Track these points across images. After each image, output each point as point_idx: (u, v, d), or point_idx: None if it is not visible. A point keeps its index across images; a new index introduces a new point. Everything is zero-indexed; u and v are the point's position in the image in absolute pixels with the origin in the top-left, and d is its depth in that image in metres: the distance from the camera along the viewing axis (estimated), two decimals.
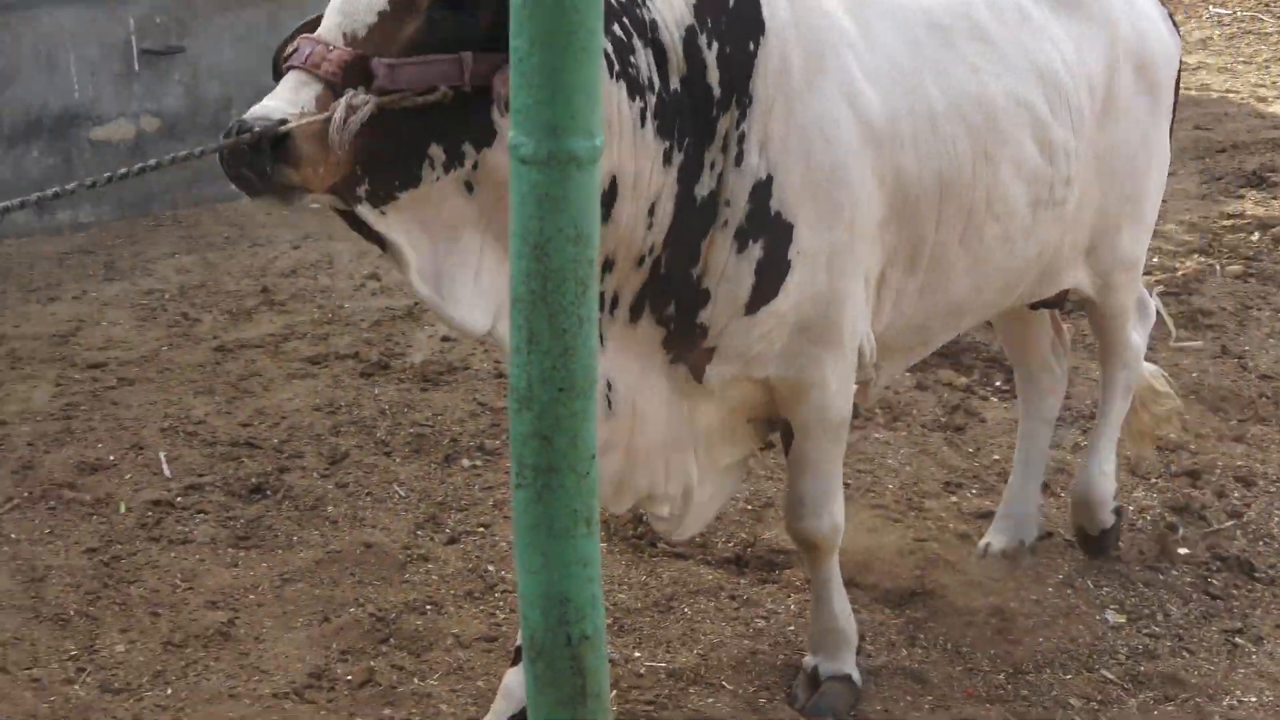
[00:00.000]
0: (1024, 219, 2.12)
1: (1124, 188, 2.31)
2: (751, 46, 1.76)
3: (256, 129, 1.40)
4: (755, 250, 1.81)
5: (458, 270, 1.65)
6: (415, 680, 2.18)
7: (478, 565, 2.50)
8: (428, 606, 2.36)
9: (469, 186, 1.60)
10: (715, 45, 1.74)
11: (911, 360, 2.29)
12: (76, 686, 2.14)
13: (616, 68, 1.63)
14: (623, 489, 1.90)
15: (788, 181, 1.81)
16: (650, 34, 1.69)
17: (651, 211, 1.75)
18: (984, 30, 2.10)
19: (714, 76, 1.74)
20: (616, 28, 1.63)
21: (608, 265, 1.72)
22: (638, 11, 1.69)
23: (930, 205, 2.00)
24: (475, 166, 1.58)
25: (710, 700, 2.11)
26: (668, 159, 1.72)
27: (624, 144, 1.66)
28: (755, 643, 2.28)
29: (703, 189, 1.78)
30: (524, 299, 1.15)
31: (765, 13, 1.77)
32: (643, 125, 1.68)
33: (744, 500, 2.69)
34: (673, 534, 2.08)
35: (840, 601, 2.12)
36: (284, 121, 1.42)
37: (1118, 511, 2.57)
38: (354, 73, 1.47)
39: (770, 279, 1.83)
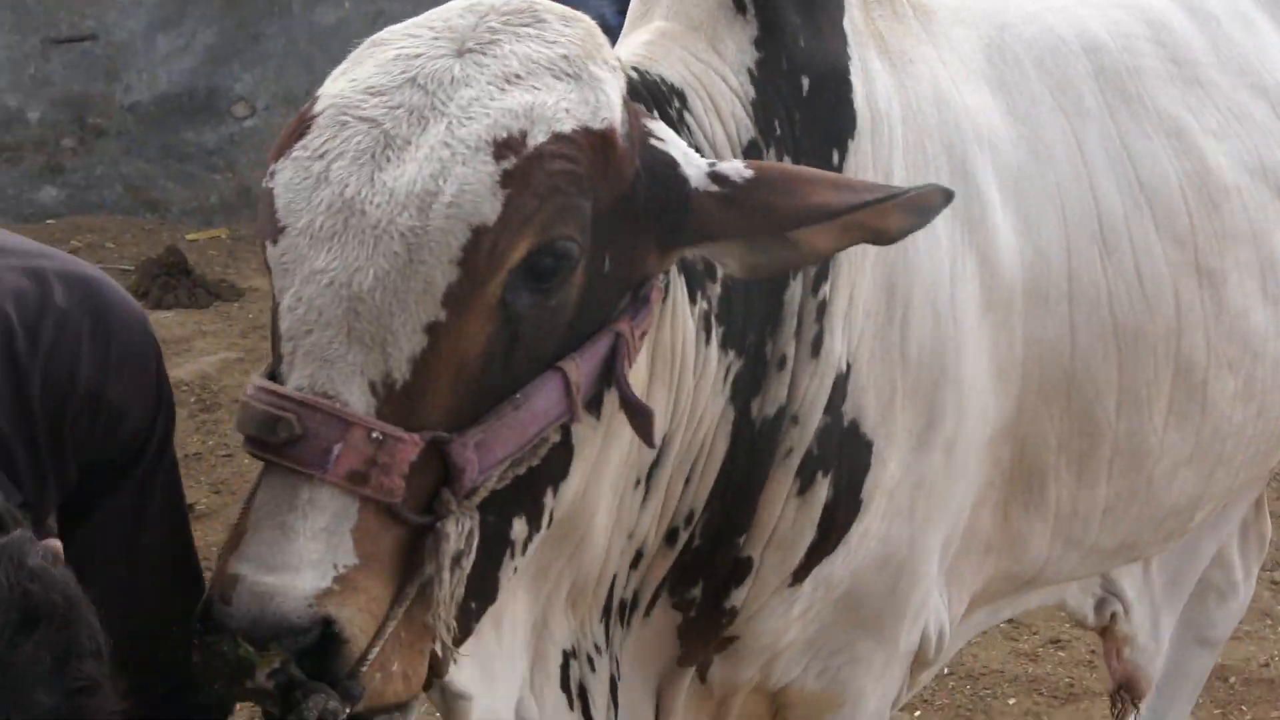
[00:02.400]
0: (1277, 354, 1.61)
1: None
2: (836, 156, 1.30)
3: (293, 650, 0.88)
4: (822, 489, 1.31)
5: (498, 662, 1.21)
6: None
7: None
8: None
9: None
10: (788, 161, 1.29)
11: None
12: None
13: None
14: None
15: (870, 374, 1.33)
16: None
17: (694, 462, 1.30)
18: (1189, 58, 1.57)
19: None
20: None
21: (635, 560, 1.28)
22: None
23: (1104, 382, 1.47)
24: (551, 518, 1.11)
25: None
26: (726, 375, 1.25)
27: (683, 377, 1.20)
28: None
29: (768, 406, 1.28)
30: None
31: (857, 100, 1.31)
32: (707, 339, 1.20)
33: None
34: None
35: None
36: (336, 633, 0.88)
37: None
38: (425, 475, 0.94)
39: (833, 528, 1.35)
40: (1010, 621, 2.65)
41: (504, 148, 0.92)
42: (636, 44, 1.26)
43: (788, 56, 1.26)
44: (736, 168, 1.05)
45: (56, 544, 0.90)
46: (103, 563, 1.13)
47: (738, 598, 1.32)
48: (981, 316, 1.36)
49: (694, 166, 1.04)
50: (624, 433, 1.09)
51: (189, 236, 4.97)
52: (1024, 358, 1.39)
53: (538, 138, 0.93)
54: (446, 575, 0.92)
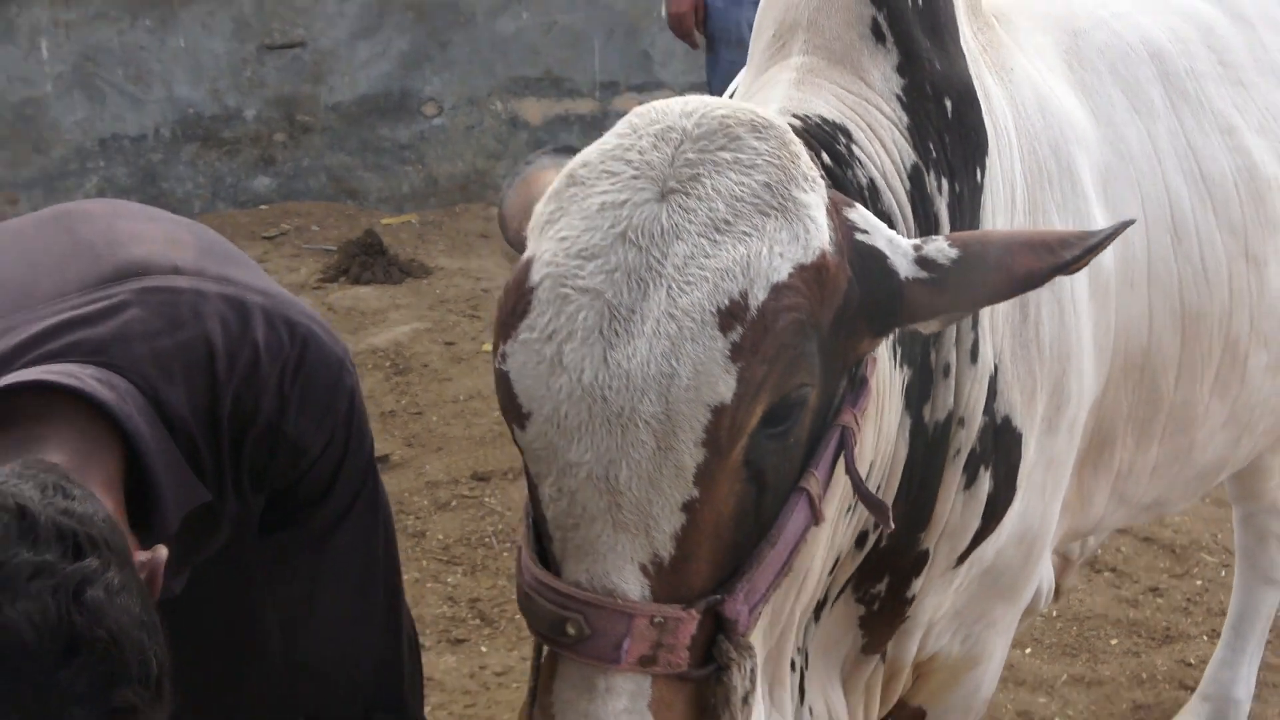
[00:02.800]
0: None
1: None
2: (979, 174, 1.32)
3: None
4: (985, 482, 1.35)
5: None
6: None
7: None
8: None
9: None
10: (945, 183, 1.29)
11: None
12: None
13: None
14: None
15: (1015, 370, 1.36)
16: (872, 204, 1.23)
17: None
18: (1235, 61, 1.63)
19: (949, 230, 1.32)
20: None
21: (832, 566, 1.30)
22: (850, 173, 1.22)
23: (1169, 356, 1.53)
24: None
25: None
26: (903, 387, 1.26)
27: (885, 412, 1.20)
28: None
29: (938, 412, 1.30)
30: None
31: (985, 117, 1.32)
32: (893, 364, 1.21)
33: None
34: None
35: None
36: None
37: None
38: (703, 632, 0.96)
39: (994, 516, 1.39)
40: (1114, 570, 2.95)
41: (729, 316, 0.89)
42: (785, 84, 1.22)
43: (930, 81, 1.25)
44: (942, 249, 1.00)
45: (156, 555, 0.92)
46: (289, 576, 1.19)
47: (916, 587, 1.35)
48: (1089, 304, 1.40)
49: (901, 255, 1.00)
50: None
51: (384, 221, 5.21)
52: (1115, 338, 1.43)
53: (759, 296, 0.90)
54: (739, 714, 0.94)
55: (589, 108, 5.41)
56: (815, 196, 0.95)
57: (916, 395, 1.24)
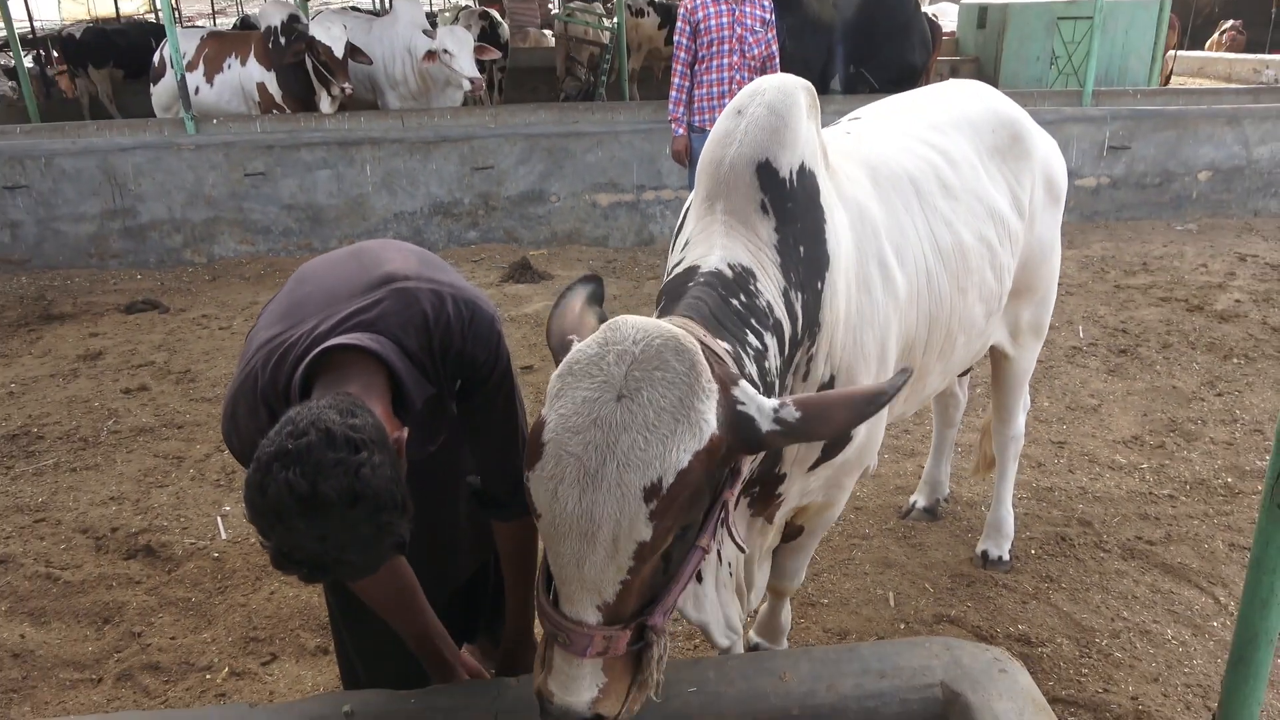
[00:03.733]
0: (980, 326, 2.21)
1: (1034, 276, 2.46)
2: (819, 285, 1.66)
3: None
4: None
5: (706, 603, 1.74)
6: None
7: None
8: None
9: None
10: (800, 296, 1.64)
11: None
12: None
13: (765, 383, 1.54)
14: (754, 594, 2.00)
15: (849, 377, 1.76)
16: (770, 313, 1.58)
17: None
18: (951, 186, 2.11)
19: (798, 325, 1.65)
20: (752, 337, 1.53)
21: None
22: (756, 302, 1.55)
23: (922, 340, 2.00)
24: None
25: None
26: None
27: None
28: None
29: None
30: None
31: (830, 246, 1.68)
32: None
33: None
34: (747, 609, 2.07)
35: (787, 617, 2.42)
36: None
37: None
38: (635, 635, 1.35)
39: (831, 450, 1.82)
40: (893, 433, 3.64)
41: (651, 492, 1.22)
42: (719, 234, 1.61)
43: (791, 236, 1.64)
44: (791, 412, 1.30)
45: (401, 435, 1.31)
46: (477, 423, 1.62)
47: (781, 488, 1.85)
48: (896, 321, 1.88)
49: (764, 416, 1.29)
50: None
51: (531, 253, 6.97)
52: (905, 331, 1.94)
53: (669, 479, 1.22)
54: (655, 669, 1.35)
55: (630, 198, 7.24)
56: (709, 402, 1.26)
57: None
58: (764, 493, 1.87)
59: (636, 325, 1.30)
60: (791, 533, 2.11)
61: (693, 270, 1.60)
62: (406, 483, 1.31)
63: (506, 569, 1.79)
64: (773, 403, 1.33)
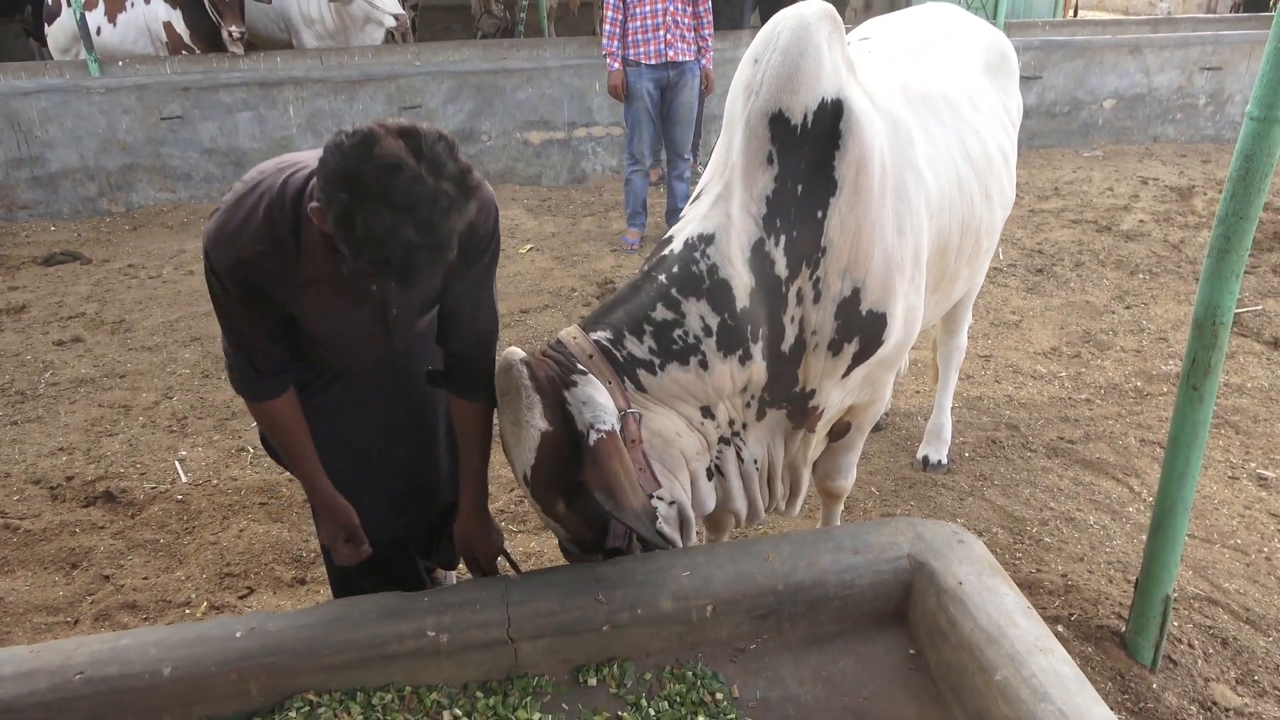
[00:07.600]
0: (997, 231, 2.40)
1: (1002, 185, 2.51)
2: (820, 214, 1.74)
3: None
4: (850, 348, 1.87)
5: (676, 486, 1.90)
6: None
7: None
8: None
9: None
10: (782, 239, 1.74)
11: None
12: None
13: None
14: (794, 500, 2.18)
15: (873, 285, 1.82)
16: (711, 276, 1.74)
17: (746, 388, 1.85)
18: (974, 99, 2.29)
19: (776, 268, 1.75)
20: (661, 310, 1.77)
21: (708, 412, 1.84)
22: (695, 267, 1.75)
23: (954, 245, 2.12)
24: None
25: None
26: (745, 358, 1.77)
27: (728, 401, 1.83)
28: None
29: (787, 342, 1.81)
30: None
31: (838, 172, 1.74)
32: (742, 364, 1.75)
33: None
34: (793, 513, 2.24)
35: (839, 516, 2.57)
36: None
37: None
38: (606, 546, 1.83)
39: (864, 354, 1.90)
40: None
41: (530, 462, 1.67)
42: (704, 202, 1.82)
43: (792, 178, 1.77)
44: (601, 427, 1.64)
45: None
46: (464, 288, 1.75)
47: (815, 402, 1.97)
48: (926, 221, 1.97)
49: (581, 413, 1.66)
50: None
51: None
52: (937, 236, 2.06)
53: (531, 458, 1.68)
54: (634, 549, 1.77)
55: (562, 136, 7.26)
56: (534, 412, 1.64)
57: (773, 341, 1.79)
58: (797, 410, 2.00)
59: (507, 363, 1.72)
60: (839, 429, 2.22)
61: (665, 243, 1.87)
62: (391, 367, 1.82)
63: (464, 443, 1.90)
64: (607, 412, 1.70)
